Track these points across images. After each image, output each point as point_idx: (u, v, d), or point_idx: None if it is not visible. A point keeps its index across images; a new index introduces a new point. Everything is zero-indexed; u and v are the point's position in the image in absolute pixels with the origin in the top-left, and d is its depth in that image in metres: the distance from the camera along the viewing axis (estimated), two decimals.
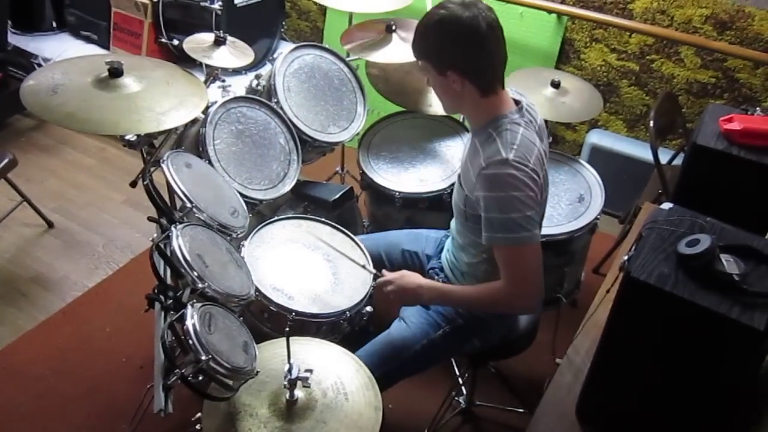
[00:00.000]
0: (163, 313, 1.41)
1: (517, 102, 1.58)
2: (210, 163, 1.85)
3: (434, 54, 1.52)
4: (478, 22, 1.45)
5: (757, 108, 1.76)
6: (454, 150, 2.36)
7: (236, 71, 3.27)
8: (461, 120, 2.47)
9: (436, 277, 1.83)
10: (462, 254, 1.71)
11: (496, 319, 1.75)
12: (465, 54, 1.48)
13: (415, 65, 1.62)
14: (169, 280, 1.48)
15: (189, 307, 1.32)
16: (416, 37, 1.55)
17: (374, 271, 1.77)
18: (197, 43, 2.08)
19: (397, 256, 1.97)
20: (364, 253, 1.89)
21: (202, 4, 3.20)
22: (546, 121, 1.93)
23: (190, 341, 1.26)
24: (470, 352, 1.87)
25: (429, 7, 1.68)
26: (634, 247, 1.26)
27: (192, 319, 1.29)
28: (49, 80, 1.62)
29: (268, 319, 1.73)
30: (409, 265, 1.95)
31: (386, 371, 1.63)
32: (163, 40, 3.36)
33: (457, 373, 2.25)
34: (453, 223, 1.77)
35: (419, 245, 1.96)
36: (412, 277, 1.68)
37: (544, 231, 1.79)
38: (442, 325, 1.73)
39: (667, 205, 1.35)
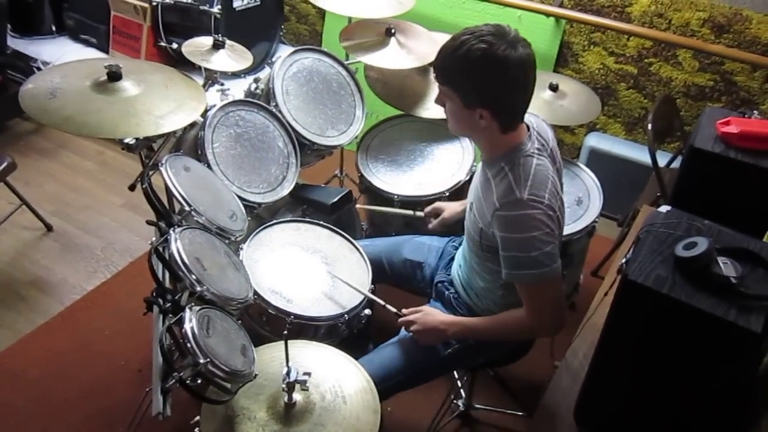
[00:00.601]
0: (161, 317, 1.42)
1: (528, 127, 1.52)
2: (208, 166, 1.85)
3: (470, 90, 1.42)
4: (524, 63, 1.37)
5: (755, 111, 1.77)
6: (453, 153, 2.36)
7: (235, 75, 3.26)
8: None
9: (446, 292, 1.80)
10: (476, 277, 1.69)
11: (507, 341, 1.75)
12: (507, 96, 1.42)
13: (413, 69, 1.59)
14: (167, 284, 1.48)
15: (187, 310, 1.32)
16: (449, 67, 1.42)
17: (395, 309, 1.70)
18: (196, 46, 2.08)
19: (399, 263, 1.96)
20: (364, 259, 1.89)
21: (202, 7, 3.21)
22: None
23: (189, 344, 1.27)
24: (472, 366, 1.88)
25: None
26: (631, 250, 1.27)
27: (190, 322, 1.30)
28: (48, 84, 1.62)
29: (266, 322, 1.73)
30: (411, 274, 1.95)
31: (390, 385, 1.63)
32: (162, 43, 3.36)
33: (456, 376, 2.25)
34: (464, 244, 1.73)
35: (422, 255, 1.95)
36: (433, 314, 1.66)
37: None
38: (452, 344, 1.71)
39: (664, 208, 1.35)
